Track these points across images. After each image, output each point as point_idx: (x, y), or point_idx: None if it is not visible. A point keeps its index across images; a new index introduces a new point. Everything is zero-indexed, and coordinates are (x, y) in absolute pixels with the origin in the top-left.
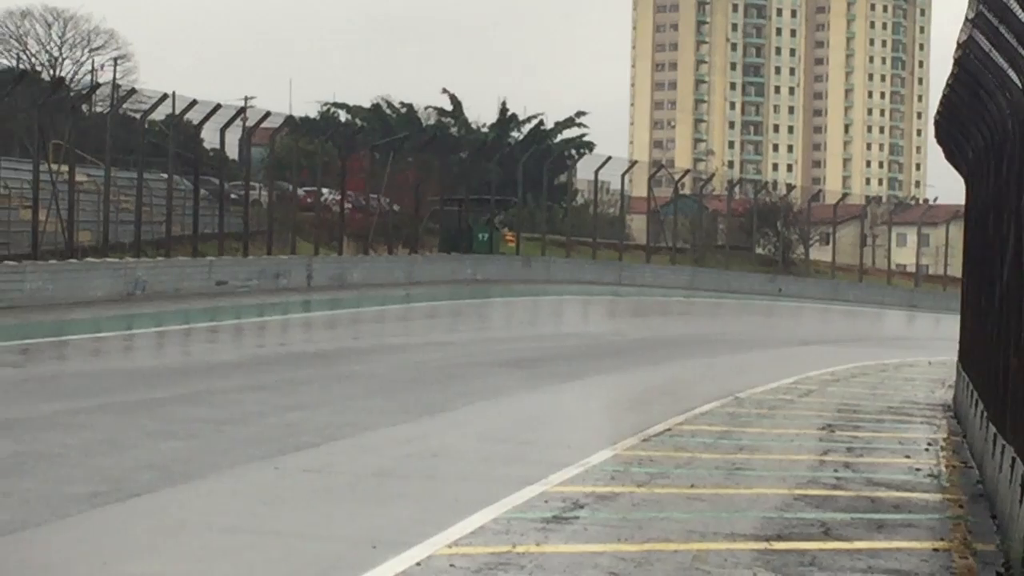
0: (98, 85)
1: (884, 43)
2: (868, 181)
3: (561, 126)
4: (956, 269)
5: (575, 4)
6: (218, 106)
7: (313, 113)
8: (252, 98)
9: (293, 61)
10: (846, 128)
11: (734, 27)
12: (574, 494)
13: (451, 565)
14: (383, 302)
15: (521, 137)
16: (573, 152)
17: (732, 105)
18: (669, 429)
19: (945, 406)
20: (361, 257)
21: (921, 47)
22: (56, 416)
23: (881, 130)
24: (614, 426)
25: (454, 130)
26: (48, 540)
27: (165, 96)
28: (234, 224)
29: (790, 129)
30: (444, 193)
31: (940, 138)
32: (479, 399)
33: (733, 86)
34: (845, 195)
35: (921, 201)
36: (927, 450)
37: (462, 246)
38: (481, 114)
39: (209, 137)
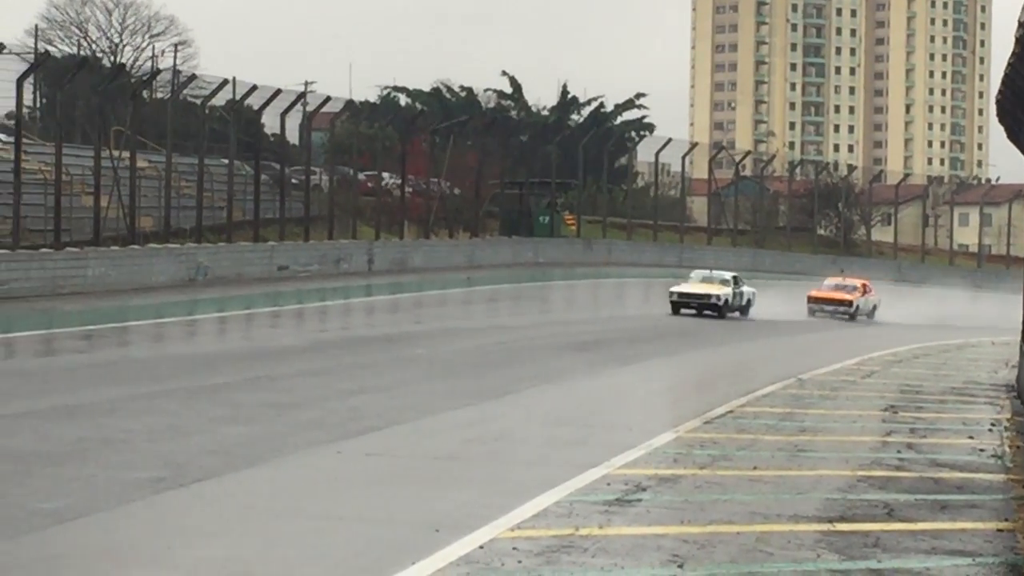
0: (159, 71)
1: (945, 22)
2: (930, 161)
3: (621, 108)
4: (1019, 249)
5: None
6: (278, 91)
7: (373, 97)
8: (312, 83)
9: (353, 45)
10: (907, 108)
11: (794, 8)
12: (637, 477)
13: (514, 548)
14: (444, 286)
15: (581, 120)
16: (633, 134)
17: (793, 86)
18: (731, 411)
19: (1008, 386)
20: (422, 241)
21: (982, 26)
22: (119, 402)
23: (942, 110)
24: (676, 408)
25: (514, 113)
26: (112, 525)
27: (225, 82)
28: (295, 209)
29: (851, 110)
30: (505, 176)
31: (1002, 117)
32: (541, 382)
33: (793, 67)
34: (906, 175)
35: (983, 180)
36: (991, 431)
37: (523, 229)
38: (541, 97)
39: (270, 122)
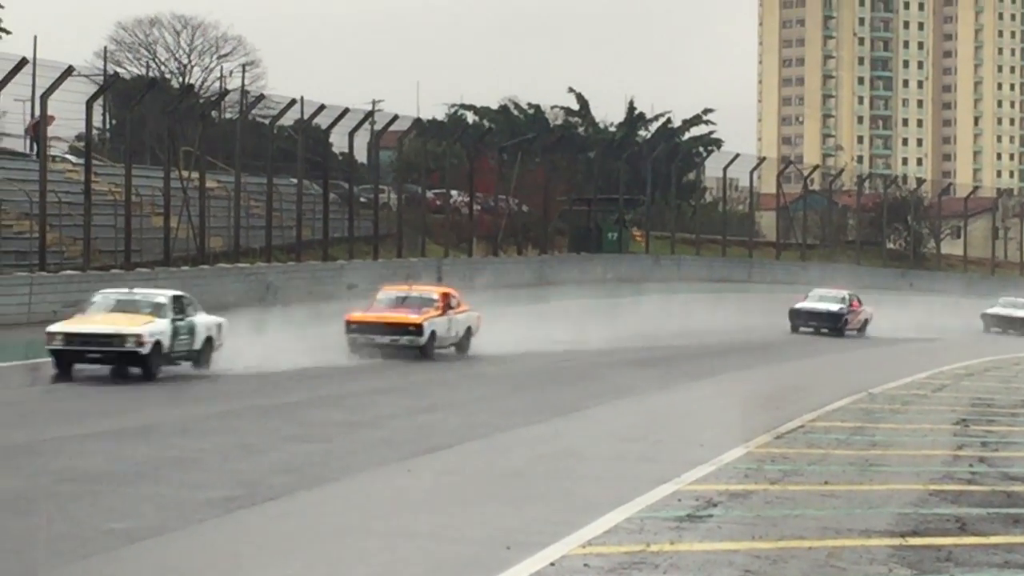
0: (227, 92)
1: (1013, 34)
2: (999, 173)
3: (689, 124)
4: None
5: (701, 1)
6: (346, 110)
7: (441, 115)
8: (380, 101)
9: (420, 63)
10: (976, 121)
11: (861, 21)
12: (707, 492)
13: (585, 565)
14: (513, 303)
15: (649, 135)
16: (701, 150)
17: (860, 100)
18: (802, 426)
19: None
20: (491, 258)
21: None
22: (190, 421)
23: (1011, 122)
24: (746, 424)
25: (581, 130)
26: (184, 545)
27: (293, 101)
28: (364, 227)
29: (919, 123)
30: (573, 193)
31: None
32: (611, 398)
33: (861, 81)
34: (976, 188)
35: None
36: None
37: (592, 246)
38: (608, 113)
39: (338, 141)
